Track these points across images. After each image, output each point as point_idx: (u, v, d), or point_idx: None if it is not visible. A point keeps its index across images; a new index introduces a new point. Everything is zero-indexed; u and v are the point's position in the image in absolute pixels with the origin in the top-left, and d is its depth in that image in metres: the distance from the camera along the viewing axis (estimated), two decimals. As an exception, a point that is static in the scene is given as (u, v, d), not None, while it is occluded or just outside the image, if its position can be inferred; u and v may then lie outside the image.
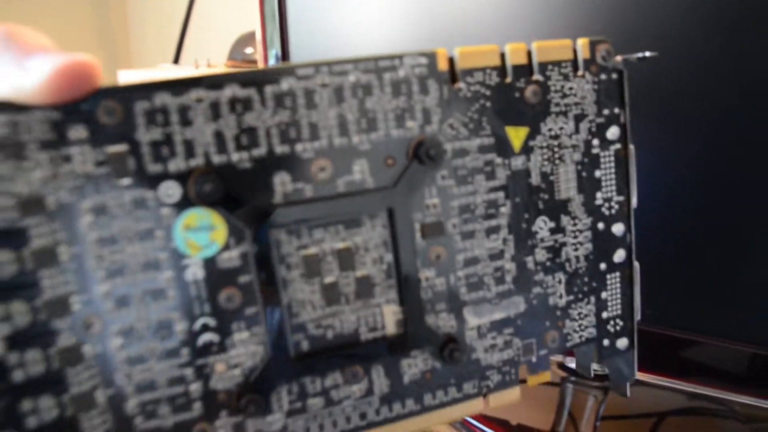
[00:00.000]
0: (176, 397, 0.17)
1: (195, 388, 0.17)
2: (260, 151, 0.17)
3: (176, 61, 0.95)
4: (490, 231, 0.19)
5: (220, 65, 0.92)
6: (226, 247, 0.17)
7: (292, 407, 0.18)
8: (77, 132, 0.15)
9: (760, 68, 0.29)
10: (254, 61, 0.85)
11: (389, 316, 0.19)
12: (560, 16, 0.35)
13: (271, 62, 0.50)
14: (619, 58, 0.20)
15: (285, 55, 0.49)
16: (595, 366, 0.22)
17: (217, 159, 0.16)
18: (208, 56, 0.96)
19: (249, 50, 0.89)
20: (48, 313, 0.15)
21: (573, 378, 0.42)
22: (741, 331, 0.33)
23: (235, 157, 0.17)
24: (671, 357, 0.36)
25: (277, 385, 0.18)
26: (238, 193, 0.17)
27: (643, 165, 0.22)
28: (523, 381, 0.21)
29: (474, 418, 0.40)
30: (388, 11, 0.42)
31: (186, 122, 0.16)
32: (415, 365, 0.19)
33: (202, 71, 0.90)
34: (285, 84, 0.17)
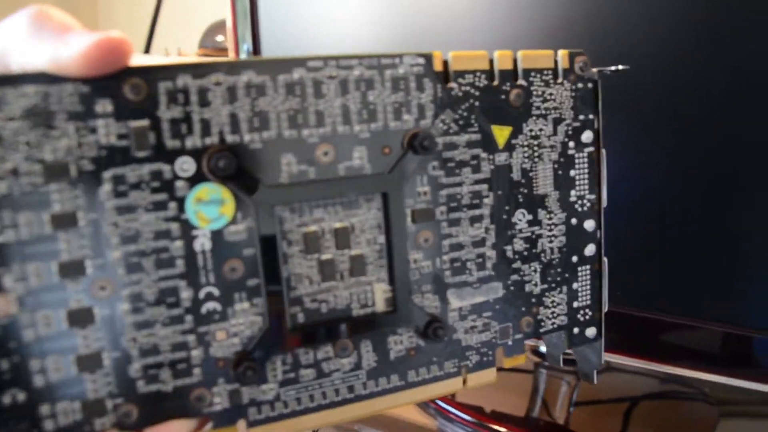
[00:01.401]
0: (178, 362, 0.18)
1: (196, 354, 0.18)
2: (270, 133, 0.18)
3: (147, 50, 0.94)
4: (474, 220, 0.21)
5: (191, 54, 0.92)
6: (234, 221, 0.18)
7: (285, 377, 0.19)
8: (104, 106, 0.16)
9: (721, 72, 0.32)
10: (225, 49, 0.85)
11: (379, 294, 0.20)
12: (524, 23, 0.37)
13: (243, 55, 0.51)
14: (594, 69, 0.22)
15: (256, 48, 0.50)
16: (566, 351, 0.24)
17: (230, 138, 0.18)
18: (178, 45, 0.95)
19: (220, 38, 0.89)
20: (63, 274, 0.16)
21: (546, 364, 0.43)
22: (712, 311, 0.35)
23: (247, 137, 0.18)
24: (642, 338, 0.37)
25: (273, 355, 0.19)
26: (248, 170, 0.18)
27: (620, 155, 0.23)
28: (499, 369, 0.22)
29: (449, 404, 0.41)
30: (358, 9, 0.44)
31: (204, 103, 0.17)
32: (401, 342, 0.21)
33: (173, 59, 0.90)
34: (296, 74, 0.18)
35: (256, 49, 0.50)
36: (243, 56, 0.51)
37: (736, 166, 0.33)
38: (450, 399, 0.42)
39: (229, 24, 0.50)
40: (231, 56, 0.52)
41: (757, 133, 0.32)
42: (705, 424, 0.40)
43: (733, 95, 0.32)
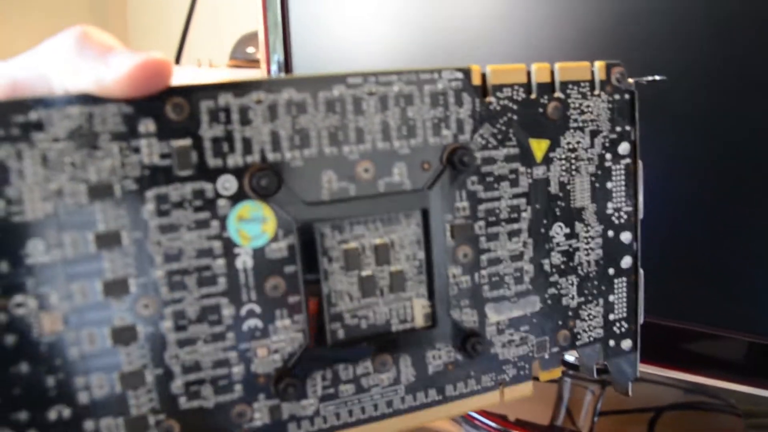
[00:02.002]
0: (219, 378, 0.18)
1: (237, 370, 0.18)
2: (311, 150, 0.18)
3: (177, 61, 0.95)
4: (512, 234, 0.21)
5: (222, 65, 0.92)
6: (275, 239, 0.18)
7: (325, 393, 0.19)
8: (146, 126, 0.16)
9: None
10: (257, 61, 0.85)
11: (418, 309, 0.20)
12: (550, 36, 0.37)
13: (273, 66, 0.51)
14: (631, 80, 0.22)
15: (287, 59, 0.50)
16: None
17: (271, 156, 0.18)
18: (209, 56, 0.96)
19: (251, 49, 0.89)
20: (107, 293, 0.17)
21: (571, 372, 0.43)
22: (738, 321, 0.34)
23: (288, 155, 0.18)
24: (667, 347, 0.36)
25: (314, 371, 0.19)
26: (289, 188, 0.18)
27: (652, 167, 0.23)
28: (535, 378, 0.22)
29: (474, 411, 0.41)
30: (388, 20, 0.44)
31: (245, 121, 0.17)
32: (439, 357, 0.21)
33: (205, 71, 0.90)
34: (336, 91, 0.18)
35: (287, 60, 0.50)
36: (274, 67, 0.51)
37: (762, 172, 0.33)
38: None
39: (261, 35, 0.50)
40: (263, 67, 0.51)
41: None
42: None
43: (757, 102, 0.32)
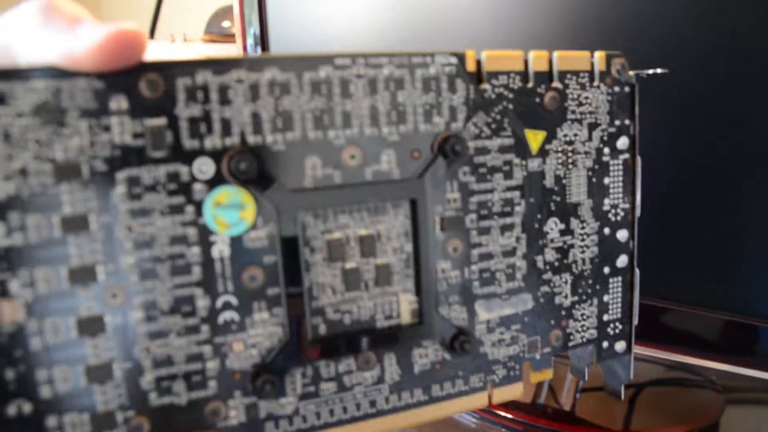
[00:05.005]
0: (192, 374, 0.17)
1: (212, 366, 0.17)
2: (294, 134, 0.17)
3: (151, 35, 0.93)
4: (505, 228, 0.20)
5: (196, 39, 0.90)
6: (254, 227, 0.17)
7: (305, 391, 0.18)
8: (118, 103, 0.15)
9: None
10: (232, 35, 0.84)
11: (405, 305, 0.19)
12: (536, 22, 0.37)
13: (249, 40, 0.49)
14: (631, 72, 0.21)
15: (264, 33, 0.49)
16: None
17: (252, 139, 0.17)
18: (183, 30, 0.94)
19: (226, 23, 0.87)
20: (73, 280, 0.16)
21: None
22: (718, 300, 0.35)
23: (269, 138, 0.17)
24: (649, 325, 0.37)
25: (293, 368, 0.18)
26: (270, 173, 0.17)
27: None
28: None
29: (463, 412, 0.41)
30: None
31: (225, 101, 0.16)
32: (426, 355, 0.20)
33: (179, 46, 0.88)
34: (323, 72, 0.17)
35: (263, 34, 0.49)
36: (250, 41, 0.49)
37: (744, 154, 0.33)
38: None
39: (236, 9, 0.49)
40: (238, 42, 0.50)
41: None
42: (711, 410, 0.40)
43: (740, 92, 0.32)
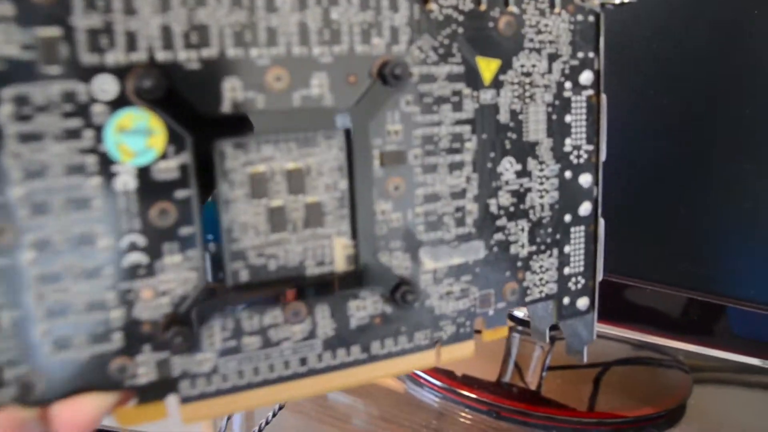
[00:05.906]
0: (93, 325, 0.15)
1: (116, 315, 0.15)
2: (211, 51, 0.15)
3: None
4: (454, 167, 0.18)
5: None
6: (164, 156, 0.15)
7: (225, 346, 0.16)
8: (3, 9, 0.13)
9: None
10: None
11: (339, 250, 0.17)
12: None
13: None
14: (597, 0, 0.19)
15: None
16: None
17: (161, 55, 0.15)
18: None
19: None
20: None
21: (520, 328, 0.43)
22: (685, 279, 0.35)
23: (182, 55, 0.15)
24: (615, 304, 0.37)
25: (210, 319, 0.16)
26: (182, 95, 0.15)
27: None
28: (477, 331, 0.19)
29: (408, 372, 0.40)
30: None
31: (130, 11, 0.14)
32: (364, 308, 0.18)
33: None
34: None
35: None
36: None
37: (717, 132, 0.33)
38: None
39: None
40: None
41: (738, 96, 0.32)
42: (679, 390, 0.39)
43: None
